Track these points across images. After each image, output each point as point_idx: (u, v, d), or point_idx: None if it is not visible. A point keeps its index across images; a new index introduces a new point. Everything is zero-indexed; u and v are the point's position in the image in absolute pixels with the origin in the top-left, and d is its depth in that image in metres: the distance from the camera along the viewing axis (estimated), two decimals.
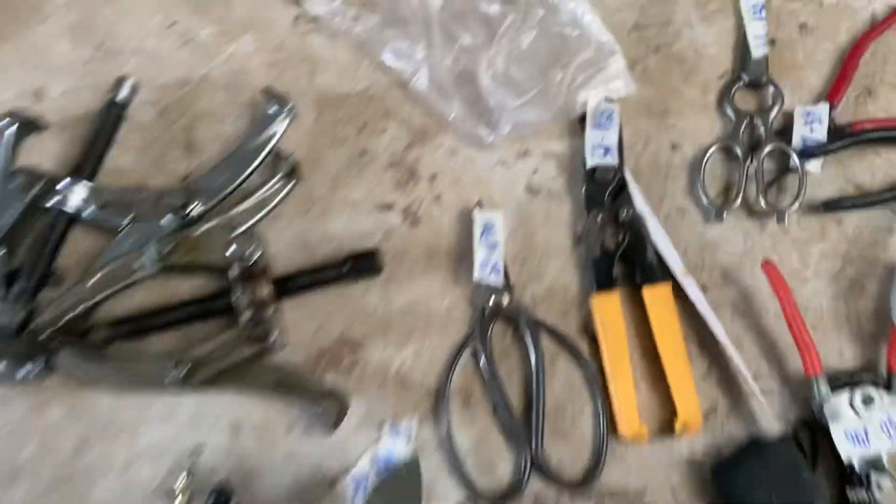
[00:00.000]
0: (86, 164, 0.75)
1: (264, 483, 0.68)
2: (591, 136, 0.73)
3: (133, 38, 0.80)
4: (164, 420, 0.70)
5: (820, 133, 0.72)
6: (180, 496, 0.66)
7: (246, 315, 0.68)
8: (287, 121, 0.74)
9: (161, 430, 0.70)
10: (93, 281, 0.69)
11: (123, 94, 0.76)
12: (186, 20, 0.80)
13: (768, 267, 0.67)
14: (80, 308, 0.68)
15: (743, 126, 0.73)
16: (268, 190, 0.74)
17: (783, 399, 0.68)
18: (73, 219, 0.73)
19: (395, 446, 0.68)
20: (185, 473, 0.67)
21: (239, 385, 0.68)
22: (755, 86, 0.75)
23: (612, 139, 0.73)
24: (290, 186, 0.74)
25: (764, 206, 0.71)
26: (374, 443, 0.68)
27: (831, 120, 0.72)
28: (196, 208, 0.72)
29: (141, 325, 0.70)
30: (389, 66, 0.77)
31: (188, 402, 0.70)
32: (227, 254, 0.68)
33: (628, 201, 0.72)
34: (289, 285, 0.71)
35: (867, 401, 0.64)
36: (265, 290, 0.69)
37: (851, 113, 0.74)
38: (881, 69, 0.75)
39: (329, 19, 0.79)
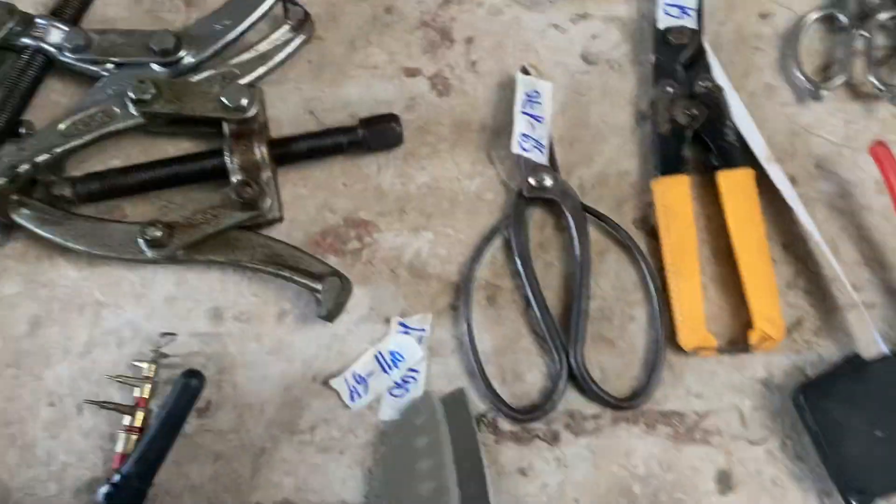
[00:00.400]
0: (66, 6, 0.65)
1: (247, 376, 0.57)
2: None
3: None
4: (136, 299, 0.59)
5: None
6: (144, 385, 0.55)
7: (237, 177, 0.58)
8: None
9: (132, 311, 0.59)
10: (63, 125, 0.59)
11: None
12: None
13: (880, 148, 0.53)
14: (47, 156, 0.58)
15: None
16: (273, 42, 0.63)
17: (888, 315, 0.54)
18: (50, 62, 0.63)
19: (406, 345, 0.57)
20: (150, 361, 0.56)
21: (224, 257, 0.57)
22: None
23: None
24: (299, 41, 0.63)
25: (876, 87, 0.58)
26: (379, 339, 0.57)
27: None
28: (189, 55, 0.61)
29: (114, 182, 0.59)
30: None
31: (165, 280, 0.60)
32: (219, 102, 0.57)
33: (706, 72, 0.59)
34: (290, 149, 0.59)
35: None
36: (261, 149, 0.58)
37: None
38: None
39: None
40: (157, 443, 0.53)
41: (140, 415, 0.55)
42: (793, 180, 0.57)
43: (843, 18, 0.60)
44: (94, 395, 0.57)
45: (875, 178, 0.56)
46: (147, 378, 0.56)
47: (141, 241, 0.56)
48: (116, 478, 0.52)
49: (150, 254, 0.57)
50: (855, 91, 0.59)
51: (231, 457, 0.56)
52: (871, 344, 0.53)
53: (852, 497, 0.50)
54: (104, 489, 0.52)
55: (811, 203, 0.57)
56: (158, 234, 0.56)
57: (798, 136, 0.59)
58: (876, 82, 0.58)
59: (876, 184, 0.57)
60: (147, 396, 0.56)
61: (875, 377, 0.51)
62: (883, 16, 0.59)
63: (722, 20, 0.62)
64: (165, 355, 0.57)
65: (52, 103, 0.64)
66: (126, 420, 0.55)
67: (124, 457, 0.54)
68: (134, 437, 0.54)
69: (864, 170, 0.57)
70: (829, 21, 0.61)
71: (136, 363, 0.57)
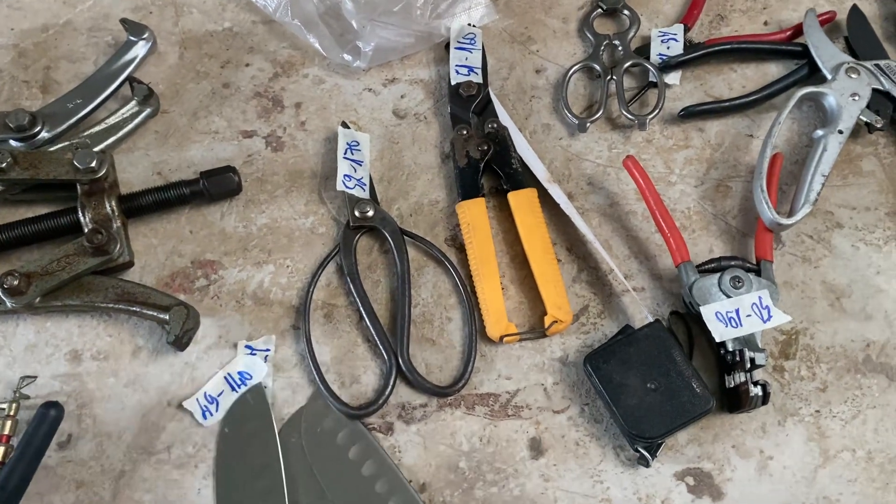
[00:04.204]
0: None
1: (105, 408, 0.62)
2: (455, 56, 0.73)
3: None
4: None
5: (676, 50, 0.74)
6: (5, 422, 0.59)
7: (89, 227, 0.64)
8: (145, 47, 0.73)
9: None
10: None
11: None
12: None
13: (630, 160, 0.66)
14: None
15: (602, 47, 0.74)
16: (121, 115, 0.71)
17: (655, 296, 0.66)
18: None
19: (253, 364, 0.63)
20: (11, 399, 0.60)
21: (80, 300, 0.63)
22: (612, 12, 0.77)
23: (475, 60, 0.73)
24: (145, 114, 0.71)
25: (628, 118, 0.71)
26: (227, 363, 0.63)
27: (687, 40, 0.74)
28: (44, 131, 0.69)
29: None
30: (256, 3, 0.77)
31: (25, 330, 0.65)
32: (72, 166, 0.65)
33: (492, 115, 0.71)
34: (138, 202, 0.67)
35: (736, 283, 0.62)
36: (111, 204, 0.65)
37: (706, 36, 0.76)
38: None
39: None
40: (18, 471, 0.57)
41: (1, 449, 0.58)
42: (571, 196, 0.69)
43: (598, 68, 0.74)
44: None
45: (634, 189, 0.69)
46: (8, 416, 0.60)
47: (0, 291, 0.61)
48: None
49: (9, 303, 0.62)
50: (613, 123, 0.73)
51: (92, 483, 0.60)
52: (643, 319, 0.64)
53: (638, 444, 0.59)
54: None
55: (587, 213, 0.69)
56: (16, 282, 0.61)
57: (572, 161, 0.71)
58: (627, 115, 0.71)
59: (635, 193, 0.69)
60: (9, 433, 0.59)
61: (643, 340, 0.61)
62: (627, 64, 0.74)
63: (505, 76, 0.75)
64: (26, 396, 0.62)
65: None
66: None
67: None
68: None
69: (626, 184, 0.70)
70: (588, 70, 0.75)
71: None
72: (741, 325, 0.61)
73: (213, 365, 0.64)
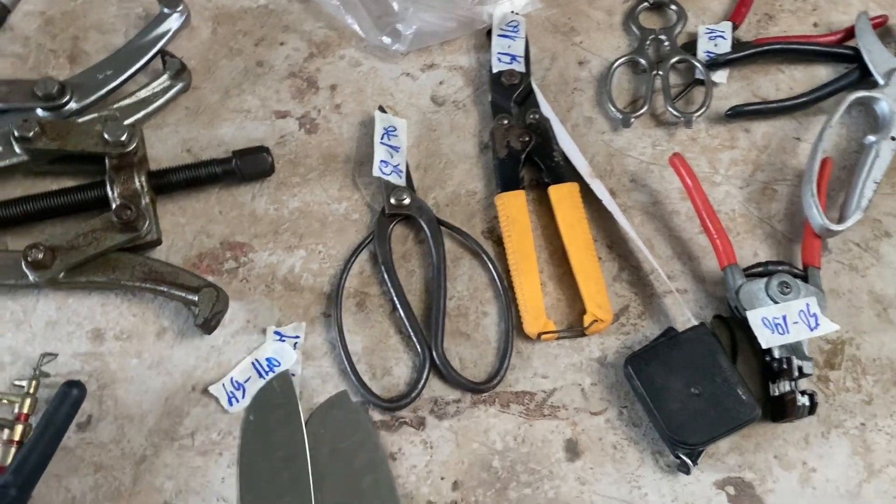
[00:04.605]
0: None
1: (128, 390, 0.60)
2: (497, 43, 0.71)
3: None
4: (16, 326, 0.62)
5: (724, 48, 0.72)
6: (24, 400, 0.57)
7: (117, 203, 0.62)
8: (178, 20, 0.70)
9: (12, 336, 0.61)
10: None
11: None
12: None
13: (677, 158, 0.64)
14: None
15: (648, 41, 0.72)
16: (153, 89, 0.69)
17: (697, 299, 0.64)
18: None
19: (282, 351, 0.61)
20: (31, 377, 0.58)
21: (105, 277, 0.61)
22: (658, 6, 0.75)
23: (518, 48, 0.71)
24: (177, 89, 0.69)
25: (673, 115, 0.69)
26: (255, 349, 0.61)
27: (735, 38, 0.73)
28: (73, 101, 0.66)
29: None
30: None
31: (46, 306, 0.63)
32: (101, 138, 0.62)
33: (534, 106, 0.69)
34: (168, 179, 0.65)
35: (784, 288, 0.60)
36: (140, 180, 0.63)
37: (753, 35, 0.74)
38: None
39: None
40: (38, 450, 0.54)
41: (19, 428, 0.56)
42: (612, 193, 0.67)
43: (643, 62, 0.72)
44: None
45: (678, 188, 0.67)
46: (28, 394, 0.58)
47: (24, 263, 0.59)
48: None
49: (32, 277, 0.60)
50: (657, 119, 0.71)
51: (112, 466, 0.58)
52: (685, 322, 0.62)
53: (680, 450, 0.58)
54: None
55: (629, 210, 0.67)
56: (41, 255, 0.59)
57: (614, 157, 0.69)
58: (673, 111, 0.69)
59: (679, 192, 0.67)
60: (28, 412, 0.57)
61: (687, 344, 0.59)
62: (673, 60, 0.72)
63: (547, 66, 0.73)
64: (46, 374, 0.59)
65: None
66: (5, 434, 0.56)
67: (1, 469, 0.55)
68: (13, 449, 0.56)
69: (670, 182, 0.68)
70: (633, 65, 0.73)
71: (17, 383, 0.59)
72: (788, 332, 0.59)
73: (240, 350, 0.61)
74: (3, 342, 0.61)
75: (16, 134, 0.62)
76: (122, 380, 0.60)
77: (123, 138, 0.63)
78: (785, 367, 0.58)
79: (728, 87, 0.72)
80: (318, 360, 0.61)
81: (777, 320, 0.60)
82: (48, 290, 0.63)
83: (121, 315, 0.63)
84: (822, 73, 0.72)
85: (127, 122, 0.67)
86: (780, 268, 0.62)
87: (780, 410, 0.59)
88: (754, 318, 0.59)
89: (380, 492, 0.55)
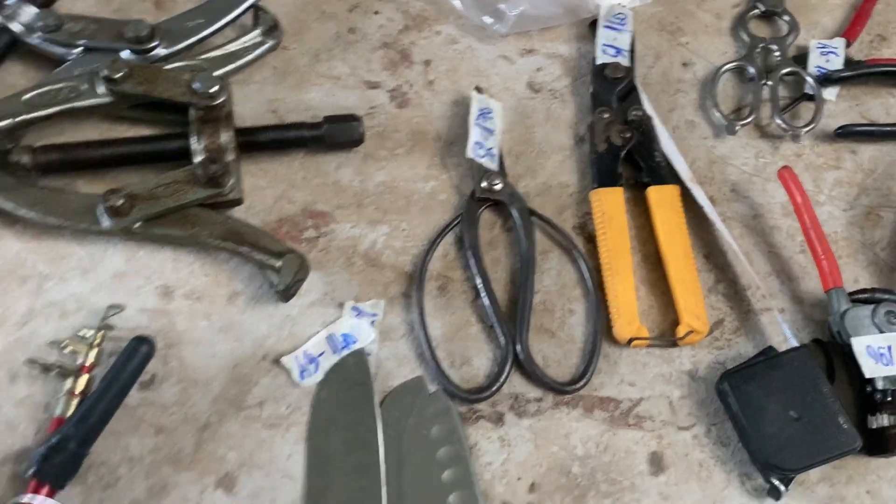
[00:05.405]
0: None
1: (194, 352, 0.57)
2: (603, 34, 0.68)
3: None
4: (83, 273, 0.59)
5: (836, 65, 0.69)
6: (89, 351, 0.54)
7: (201, 157, 0.59)
8: None
9: (78, 284, 0.58)
10: (27, 96, 0.59)
11: None
12: None
13: (787, 171, 0.61)
14: (7, 122, 0.58)
15: (758, 49, 0.70)
16: (243, 44, 0.66)
17: (794, 320, 0.61)
18: (13, 42, 0.64)
19: (359, 328, 0.58)
20: (97, 328, 0.55)
21: (183, 232, 0.58)
22: (770, 15, 0.72)
23: (624, 41, 0.68)
24: (267, 46, 0.66)
25: (780, 128, 0.66)
26: (331, 323, 0.58)
27: (847, 56, 0.70)
28: (161, 47, 0.64)
29: (75, 155, 0.60)
30: None
31: (115, 256, 0.60)
32: (189, 88, 0.59)
33: (637, 104, 0.67)
34: (255, 137, 0.62)
35: (892, 318, 0.57)
36: (227, 135, 0.60)
37: (864, 54, 0.72)
38: (895, 17, 0.74)
39: None
40: (102, 405, 0.52)
41: (83, 379, 0.53)
42: (712, 201, 0.64)
43: (751, 70, 0.69)
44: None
45: (781, 203, 0.64)
46: (93, 345, 0.55)
47: (101, 208, 0.56)
48: (54, 439, 0.50)
49: (107, 223, 0.57)
50: (762, 131, 0.68)
51: (174, 430, 0.55)
52: (781, 342, 0.59)
53: (772, 475, 0.55)
54: (40, 450, 0.50)
55: (728, 221, 0.64)
56: (120, 201, 0.56)
57: (716, 164, 0.66)
58: (781, 123, 0.67)
59: (782, 207, 0.64)
60: (92, 363, 0.54)
61: (788, 365, 0.56)
62: (783, 71, 0.69)
63: (650, 64, 0.70)
64: (111, 327, 0.56)
65: (9, 86, 0.64)
66: (68, 384, 0.53)
67: (61, 421, 0.52)
68: (75, 401, 0.53)
69: (772, 196, 0.65)
70: (740, 72, 0.70)
71: (82, 333, 0.55)
72: (893, 363, 0.56)
73: (314, 322, 0.58)
74: (68, 288, 0.58)
75: (105, 73, 0.59)
76: (189, 341, 0.57)
77: (213, 90, 0.60)
78: (888, 399, 0.56)
79: (835, 106, 0.69)
80: (394, 342, 0.58)
81: (882, 350, 0.57)
82: (119, 239, 0.60)
83: (192, 273, 0.60)
84: None
85: (214, 74, 0.64)
86: (887, 296, 0.59)
87: (879, 444, 0.56)
88: (859, 345, 0.56)
89: (459, 487, 0.52)
